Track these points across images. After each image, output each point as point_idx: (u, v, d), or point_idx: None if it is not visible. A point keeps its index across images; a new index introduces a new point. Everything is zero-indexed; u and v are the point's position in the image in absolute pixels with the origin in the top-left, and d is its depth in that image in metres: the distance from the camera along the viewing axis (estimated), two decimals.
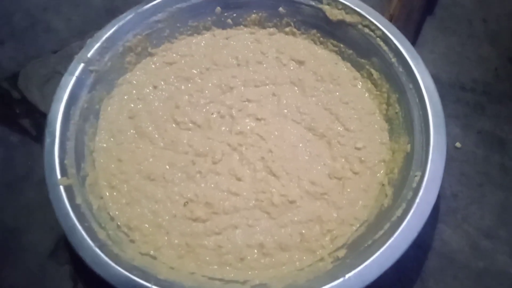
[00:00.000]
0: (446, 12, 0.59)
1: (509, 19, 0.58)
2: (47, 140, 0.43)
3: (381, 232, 0.39)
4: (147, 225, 0.43)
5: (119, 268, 0.37)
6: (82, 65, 0.48)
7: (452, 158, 0.48)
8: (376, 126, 0.49)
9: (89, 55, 0.48)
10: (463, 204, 0.47)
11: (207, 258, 0.41)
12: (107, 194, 0.44)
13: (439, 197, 0.43)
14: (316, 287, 0.36)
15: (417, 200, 0.39)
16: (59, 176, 0.42)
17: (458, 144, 0.50)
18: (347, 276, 0.36)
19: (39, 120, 0.54)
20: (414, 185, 0.40)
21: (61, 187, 0.41)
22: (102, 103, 0.50)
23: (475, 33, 0.57)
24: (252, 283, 0.39)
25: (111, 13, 0.61)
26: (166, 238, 0.42)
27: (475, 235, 0.46)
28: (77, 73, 0.47)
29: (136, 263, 0.38)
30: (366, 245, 0.39)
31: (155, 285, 0.36)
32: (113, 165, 0.46)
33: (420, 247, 0.44)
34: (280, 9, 0.54)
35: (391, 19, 0.54)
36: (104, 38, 0.49)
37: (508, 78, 0.53)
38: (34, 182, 0.50)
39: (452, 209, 0.47)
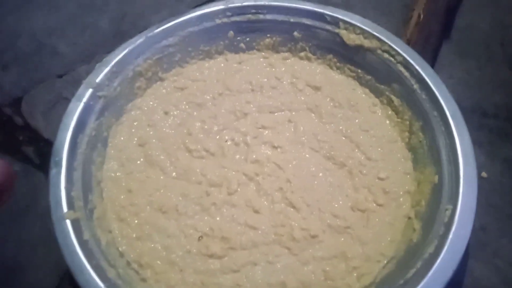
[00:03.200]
0: (462, 36, 0.57)
1: None
2: (53, 170, 0.40)
3: (413, 271, 0.36)
4: (159, 262, 0.39)
5: None
6: (90, 90, 0.45)
7: (479, 189, 0.45)
8: (398, 155, 0.46)
9: (97, 80, 0.46)
10: (493, 237, 0.45)
11: None
12: (116, 228, 0.41)
13: None
14: None
15: (450, 236, 0.36)
16: (65, 209, 0.38)
17: (484, 174, 0.48)
18: None
19: (43, 148, 0.51)
20: (446, 219, 0.37)
21: (68, 222, 0.38)
22: (111, 130, 0.47)
23: (493, 56, 0.56)
24: None
25: (119, 37, 0.59)
26: (180, 276, 0.39)
27: (507, 270, 0.43)
28: (85, 99, 0.44)
29: None
30: (398, 284, 0.36)
31: None
32: (122, 196, 0.43)
33: (450, 286, 0.41)
34: (295, 33, 0.52)
35: (409, 43, 0.52)
36: (113, 62, 0.47)
37: None
38: (37, 214, 0.46)
39: (481, 243, 0.44)
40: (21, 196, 0.48)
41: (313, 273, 0.39)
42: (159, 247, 0.40)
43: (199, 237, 0.41)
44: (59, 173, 0.40)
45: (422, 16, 0.54)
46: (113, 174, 0.45)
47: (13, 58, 0.59)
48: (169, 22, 0.50)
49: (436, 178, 0.41)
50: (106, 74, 0.46)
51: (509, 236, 0.45)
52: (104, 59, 0.47)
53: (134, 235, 0.41)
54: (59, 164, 0.41)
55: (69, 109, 0.44)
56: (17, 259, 0.44)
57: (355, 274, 0.39)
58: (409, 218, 0.42)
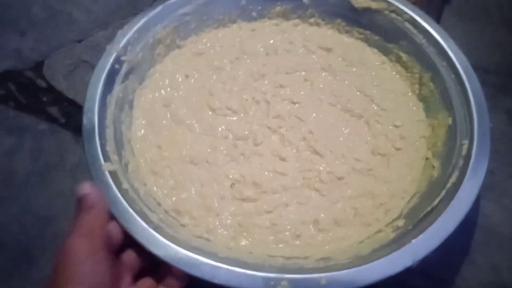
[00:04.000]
0: (463, 0, 0.60)
1: None
2: (86, 127, 0.41)
3: (438, 199, 0.38)
4: (196, 208, 0.41)
5: (180, 248, 0.34)
6: (114, 54, 0.46)
7: None
8: (410, 104, 0.49)
9: (121, 45, 0.47)
10: (501, 180, 0.47)
11: (263, 237, 0.39)
12: (151, 180, 0.42)
13: None
14: (382, 255, 0.34)
15: (470, 165, 0.38)
16: (102, 161, 0.39)
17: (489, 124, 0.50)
18: (413, 241, 0.34)
19: (67, 107, 0.52)
20: (464, 152, 0.40)
21: (107, 172, 0.39)
22: (135, 93, 0.48)
23: (491, 19, 0.58)
24: (315, 257, 0.37)
25: (132, 4, 0.60)
26: (217, 219, 0.40)
27: None
28: (110, 61, 0.45)
29: (194, 244, 0.36)
30: (425, 212, 0.38)
31: (219, 262, 0.34)
32: (153, 152, 0.44)
33: (463, 222, 0.44)
34: (305, 0, 0.54)
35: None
36: (134, 29, 0.48)
37: None
38: (66, 170, 0.47)
39: (490, 185, 0.47)
40: (49, 154, 0.48)
41: (343, 211, 0.41)
42: (194, 195, 0.41)
43: (231, 184, 0.42)
44: (92, 129, 0.41)
45: None
46: (141, 133, 0.46)
47: (29, 25, 0.59)
48: None
49: (450, 120, 0.43)
50: (128, 40, 0.47)
51: None
52: (125, 26, 0.48)
53: (168, 186, 0.42)
54: (91, 121, 0.41)
55: (96, 71, 0.45)
56: (50, 212, 0.45)
57: (382, 210, 0.41)
58: (427, 158, 0.44)
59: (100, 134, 0.41)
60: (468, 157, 0.39)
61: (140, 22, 0.48)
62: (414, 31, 0.49)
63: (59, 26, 0.60)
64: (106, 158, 0.40)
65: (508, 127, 0.50)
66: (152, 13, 0.49)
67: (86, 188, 0.34)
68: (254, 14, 0.55)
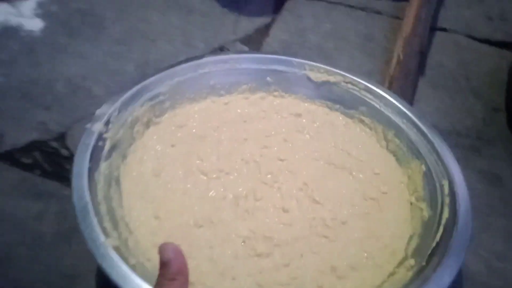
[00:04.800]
0: (434, 72, 0.67)
1: (487, 76, 0.67)
2: (79, 205, 0.38)
3: (439, 234, 0.40)
4: (209, 276, 0.37)
5: None
6: (97, 132, 0.45)
7: None
8: (382, 155, 0.52)
9: (102, 122, 0.45)
10: (476, 233, 0.51)
11: None
12: (155, 253, 0.38)
13: None
14: None
15: (458, 199, 0.42)
16: (104, 238, 0.36)
17: None
18: (435, 273, 0.35)
19: None
20: (447, 191, 0.43)
21: (111, 249, 0.35)
22: (120, 170, 0.46)
23: (460, 88, 0.65)
24: None
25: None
26: (234, 284, 0.37)
27: (490, 259, 0.49)
28: (94, 139, 0.44)
29: None
30: (432, 247, 0.39)
31: None
32: (151, 224, 0.41)
33: None
34: (268, 78, 0.57)
35: (391, 80, 0.61)
36: (113, 107, 0.47)
37: (495, 124, 0.61)
38: None
39: None
40: (73, 217, 0.43)
41: (355, 254, 0.41)
42: (205, 261, 0.38)
43: (242, 242, 0.40)
44: (86, 206, 0.38)
45: (401, 57, 0.63)
46: (134, 207, 0.42)
47: (54, 100, 0.62)
48: (159, 72, 0.53)
49: (423, 167, 0.47)
50: (108, 118, 0.46)
51: (487, 231, 0.52)
52: (104, 105, 0.48)
53: None
54: (83, 198, 0.38)
55: (79, 147, 0.43)
56: (75, 269, 0.45)
57: (388, 251, 0.42)
58: (412, 203, 0.47)
59: (95, 211, 0.38)
60: (452, 194, 0.42)
61: (119, 101, 0.48)
62: (371, 97, 0.54)
63: (80, 100, 0.62)
64: (107, 234, 0.36)
65: (480, 184, 0.55)
66: (130, 93, 0.49)
67: (170, 253, 0.31)
68: (222, 92, 0.57)
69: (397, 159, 0.51)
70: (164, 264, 0.31)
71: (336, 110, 0.57)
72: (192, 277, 0.37)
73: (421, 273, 0.36)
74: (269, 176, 0.47)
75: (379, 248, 0.41)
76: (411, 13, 0.68)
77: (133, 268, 0.34)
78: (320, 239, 0.41)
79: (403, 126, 0.51)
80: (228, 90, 0.57)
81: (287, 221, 0.42)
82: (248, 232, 0.41)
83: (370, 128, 0.54)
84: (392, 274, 0.39)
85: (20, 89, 0.58)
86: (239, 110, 0.55)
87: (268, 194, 0.45)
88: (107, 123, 0.46)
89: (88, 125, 0.45)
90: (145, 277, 0.34)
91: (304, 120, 0.55)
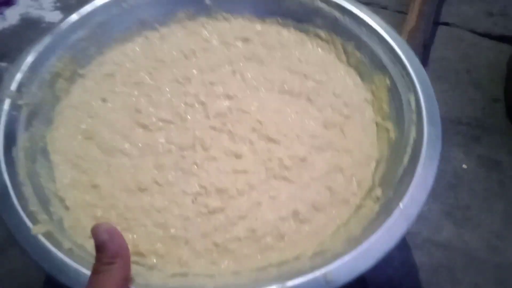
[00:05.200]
0: (437, 65, 0.69)
1: (487, 69, 0.69)
2: None
3: (407, 156, 0.36)
4: (159, 243, 0.34)
5: None
6: (8, 101, 0.38)
7: (461, 177, 0.58)
8: (343, 73, 0.46)
9: (13, 88, 0.38)
10: (476, 213, 0.54)
11: (245, 250, 0.33)
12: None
13: (457, 207, 0.54)
14: (375, 230, 0.31)
15: (424, 115, 0.37)
16: (31, 225, 0.31)
17: (464, 166, 0.59)
18: (401, 204, 0.32)
19: None
20: (413, 106, 0.38)
21: (40, 236, 0.31)
22: (46, 138, 0.39)
23: (462, 80, 0.68)
24: (307, 254, 0.33)
25: None
26: (188, 248, 0.33)
27: (488, 237, 0.53)
28: (5, 110, 0.37)
29: (171, 286, 0.30)
30: (399, 174, 0.35)
31: None
32: (88, 196, 0.36)
33: (446, 248, 0.52)
34: (207, 1, 0.49)
35: None
36: (24, 67, 0.40)
37: (494, 115, 0.64)
38: None
39: (468, 217, 0.54)
40: None
41: (318, 193, 0.37)
42: (153, 228, 0.34)
43: (192, 200, 0.36)
44: (5, 190, 0.33)
45: None
46: (68, 179, 0.37)
47: None
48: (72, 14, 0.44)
49: (387, 80, 0.42)
50: (21, 81, 0.39)
51: (487, 212, 0.55)
52: (11, 66, 0.40)
53: (119, 228, 0.34)
54: (1, 182, 0.33)
55: None
56: None
57: (354, 182, 0.38)
58: (378, 124, 0.42)
59: (17, 195, 0.33)
60: (419, 111, 0.38)
61: (28, 58, 0.41)
62: (326, 7, 0.47)
63: None
64: (34, 220, 0.32)
65: (479, 169, 0.59)
66: (41, 45, 0.42)
67: (104, 235, 0.27)
68: (156, 25, 0.49)
69: (360, 74, 0.46)
70: (99, 248, 0.28)
71: (288, 26, 0.50)
72: (141, 248, 0.33)
73: (388, 206, 0.33)
74: (217, 118, 0.41)
75: (343, 181, 0.38)
76: (415, 8, 0.69)
77: (69, 253, 0.30)
78: (279, 182, 0.37)
79: (363, 36, 0.45)
80: (163, 21, 0.49)
81: (241, 168, 0.37)
82: (198, 188, 0.36)
83: (328, 42, 0.48)
84: (359, 207, 0.36)
85: None
86: (177, 44, 0.47)
87: (217, 141, 0.39)
88: (19, 87, 0.39)
89: None
90: (83, 262, 0.30)
91: (253, 45, 0.48)
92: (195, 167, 0.37)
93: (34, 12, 0.70)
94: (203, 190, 0.36)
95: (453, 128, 0.62)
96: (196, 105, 0.42)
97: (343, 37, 0.46)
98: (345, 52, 0.47)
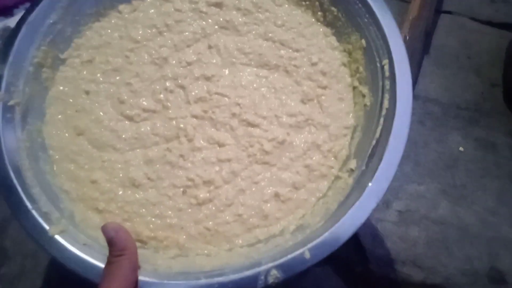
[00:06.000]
0: (438, 52, 0.74)
1: (487, 55, 0.73)
2: (10, 199, 0.38)
3: (379, 128, 0.40)
4: (159, 231, 0.40)
5: (168, 282, 0.35)
6: (0, 103, 0.41)
7: (458, 158, 0.64)
8: (320, 35, 0.49)
9: (1, 90, 0.42)
10: (471, 191, 0.61)
11: (234, 232, 0.40)
12: (99, 220, 0.41)
13: (453, 186, 0.61)
14: (349, 206, 0.37)
15: (397, 85, 0.40)
16: (47, 227, 0.37)
17: (461, 148, 0.65)
18: (370, 184, 0.37)
19: None
20: (387, 73, 0.41)
21: (58, 237, 0.37)
22: (43, 133, 0.44)
23: (462, 66, 0.73)
24: (289, 229, 0.39)
25: None
26: (184, 233, 0.40)
27: (483, 213, 0.59)
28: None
29: (175, 270, 0.37)
30: (371, 147, 0.40)
31: (207, 278, 0.35)
32: (88, 190, 0.42)
33: (443, 223, 0.58)
34: None
35: None
36: (6, 64, 0.42)
37: (493, 99, 0.69)
38: None
39: (463, 196, 0.61)
40: None
41: (297, 173, 0.42)
42: (150, 219, 0.41)
43: (182, 192, 0.41)
44: (19, 198, 0.38)
45: (407, 38, 0.68)
46: (68, 175, 0.43)
47: None
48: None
49: (363, 41, 0.44)
50: (6, 81, 0.42)
51: (482, 190, 0.62)
52: None
53: (120, 219, 0.41)
54: (13, 189, 0.38)
55: None
56: None
57: (331, 156, 0.43)
58: (355, 87, 0.45)
59: (29, 200, 0.38)
60: (392, 78, 0.41)
61: (9, 54, 0.43)
62: None
63: None
64: (49, 222, 0.38)
65: (476, 151, 0.65)
66: (18, 38, 0.43)
67: (111, 232, 0.35)
68: None
69: (337, 32, 0.48)
70: (109, 243, 0.35)
71: None
72: (143, 236, 0.40)
73: (361, 181, 0.38)
74: (198, 104, 0.45)
75: (321, 157, 0.43)
76: None
77: (84, 248, 0.37)
78: (260, 167, 0.42)
79: None
80: None
81: (225, 157, 0.42)
82: (186, 181, 0.41)
83: None
84: (337, 179, 0.42)
85: None
86: (150, 19, 0.49)
87: (200, 129, 0.44)
88: (7, 87, 0.42)
89: None
90: (97, 255, 0.36)
91: (226, 10, 0.49)
92: (182, 159, 0.42)
93: None
94: (191, 183, 0.41)
95: (452, 112, 0.67)
96: (176, 90, 0.45)
97: None
98: (322, 8, 0.48)
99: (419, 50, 0.72)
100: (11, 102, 0.42)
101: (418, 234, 0.57)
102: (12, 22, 0.74)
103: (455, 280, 0.55)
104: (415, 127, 0.66)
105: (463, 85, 0.71)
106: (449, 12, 0.79)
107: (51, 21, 0.46)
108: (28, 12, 0.45)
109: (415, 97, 0.68)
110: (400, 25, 0.70)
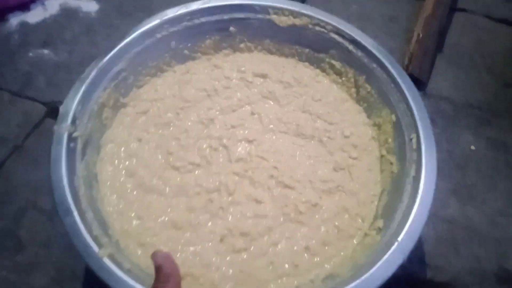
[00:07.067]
0: (452, 51, 0.78)
1: (501, 54, 0.77)
2: (67, 219, 0.43)
3: (406, 195, 0.46)
4: (195, 268, 0.46)
5: None
6: (66, 133, 0.48)
7: (469, 158, 0.66)
8: (352, 110, 0.58)
9: (69, 122, 0.49)
10: (481, 191, 0.63)
11: (265, 276, 0.46)
12: (140, 253, 0.46)
13: (464, 185, 0.63)
14: (378, 259, 0.42)
15: (423, 157, 0.47)
16: (97, 249, 0.42)
17: (472, 147, 0.67)
18: (399, 239, 0.43)
19: None
20: (414, 146, 0.49)
21: (106, 259, 0.42)
22: (97, 166, 0.51)
23: (476, 65, 0.76)
24: (320, 277, 0.45)
25: None
26: (218, 273, 0.45)
27: (492, 213, 0.61)
28: (64, 142, 0.48)
29: None
30: (398, 208, 0.46)
31: None
32: (135, 225, 0.48)
33: (451, 222, 0.61)
34: (231, 28, 0.60)
35: (411, 56, 0.72)
36: (76, 101, 0.50)
37: (505, 99, 0.73)
38: None
39: (473, 195, 0.63)
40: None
41: (327, 232, 0.49)
42: (189, 256, 0.46)
43: (220, 239, 0.47)
44: (73, 219, 0.43)
45: (421, 36, 0.73)
46: (115, 207, 0.49)
47: None
48: (114, 48, 0.55)
49: (393, 116, 0.53)
50: (74, 114, 0.49)
51: (492, 191, 0.64)
52: (65, 100, 0.51)
53: None
54: (69, 211, 0.44)
55: (54, 155, 0.47)
56: None
57: (359, 219, 0.50)
58: (383, 156, 0.53)
59: (83, 222, 0.43)
60: (419, 150, 0.48)
61: (80, 92, 0.51)
62: (340, 39, 0.57)
63: None
64: (99, 244, 0.42)
65: (487, 150, 0.67)
66: (89, 79, 0.52)
67: (160, 259, 0.39)
68: (186, 52, 0.60)
69: (368, 107, 0.57)
70: (157, 269, 0.39)
71: (305, 56, 0.61)
72: (181, 271, 0.46)
73: (388, 238, 0.44)
74: (239, 163, 0.52)
75: (349, 219, 0.49)
76: None
77: (129, 272, 0.42)
78: (294, 225, 0.49)
79: (374, 70, 0.55)
80: (192, 48, 0.61)
81: (261, 213, 0.49)
82: (224, 230, 0.48)
83: (340, 75, 0.59)
84: (365, 236, 0.48)
85: (82, 64, 0.58)
86: (202, 81, 0.59)
87: (240, 186, 0.50)
88: (73, 120, 0.49)
89: (55, 127, 0.48)
90: (140, 280, 0.41)
91: (270, 82, 0.59)
92: (221, 211, 0.49)
93: (72, 3, 0.83)
94: (229, 232, 0.47)
95: (464, 111, 0.70)
96: (220, 149, 0.53)
97: (355, 69, 0.57)
98: (356, 84, 0.58)
99: (432, 49, 0.76)
100: (75, 134, 0.49)
101: (426, 232, 0.59)
102: (29, 17, 0.79)
103: (463, 279, 0.57)
104: None
105: (476, 84, 0.74)
106: (463, 10, 0.83)
107: (118, 69, 0.55)
108: (100, 59, 0.54)
109: (427, 95, 0.72)
110: (414, 23, 0.77)
